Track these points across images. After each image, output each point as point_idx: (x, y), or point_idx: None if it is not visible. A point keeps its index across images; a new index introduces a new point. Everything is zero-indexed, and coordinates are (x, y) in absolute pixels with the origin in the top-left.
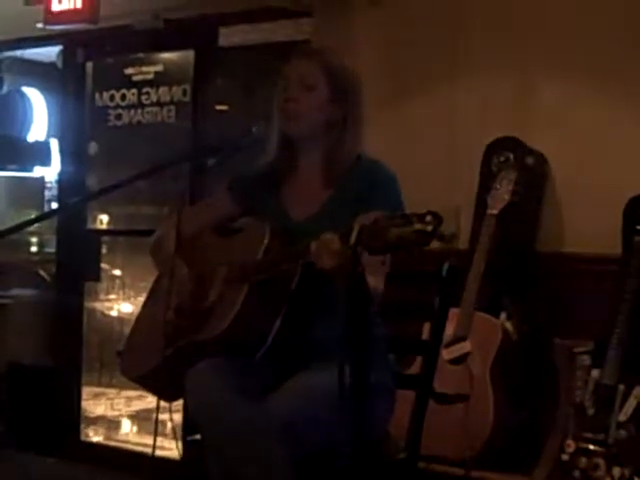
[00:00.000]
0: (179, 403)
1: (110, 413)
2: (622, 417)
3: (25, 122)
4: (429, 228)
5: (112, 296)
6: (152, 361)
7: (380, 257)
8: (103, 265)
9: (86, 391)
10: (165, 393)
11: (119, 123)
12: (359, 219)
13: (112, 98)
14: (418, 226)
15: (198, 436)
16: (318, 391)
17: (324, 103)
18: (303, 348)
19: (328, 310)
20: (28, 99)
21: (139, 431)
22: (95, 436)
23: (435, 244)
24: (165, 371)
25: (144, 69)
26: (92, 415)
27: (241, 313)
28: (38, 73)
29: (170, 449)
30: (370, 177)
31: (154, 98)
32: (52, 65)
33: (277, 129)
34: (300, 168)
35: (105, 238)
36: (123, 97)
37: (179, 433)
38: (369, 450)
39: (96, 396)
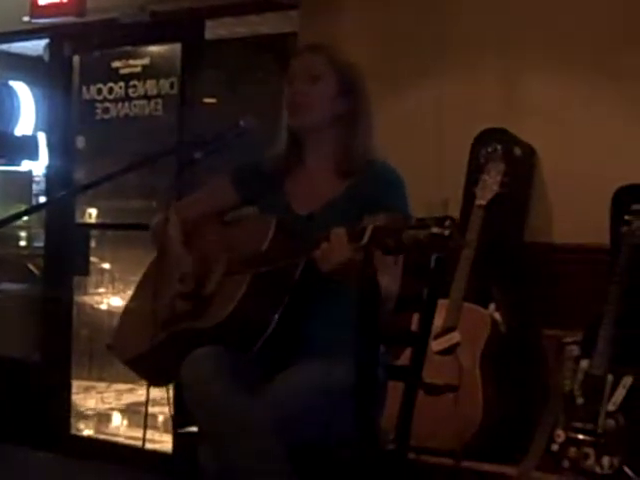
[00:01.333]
0: (170, 396)
1: (100, 407)
2: (611, 407)
3: (12, 116)
4: (446, 232)
5: (101, 290)
6: (144, 345)
7: (393, 257)
8: (92, 259)
9: (76, 385)
10: (156, 378)
11: (106, 116)
12: (368, 219)
13: (99, 91)
14: (435, 230)
15: (189, 428)
16: (314, 382)
17: (331, 95)
18: (302, 341)
19: (329, 304)
20: (15, 93)
21: (129, 424)
22: (85, 430)
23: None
24: (157, 356)
25: (131, 62)
26: (82, 409)
27: (242, 303)
28: (25, 67)
29: (161, 442)
30: (379, 179)
31: (141, 91)
32: (39, 59)
33: (285, 124)
34: (307, 163)
35: (94, 232)
36: (110, 90)
37: (170, 426)
38: (362, 443)
39: (86, 390)
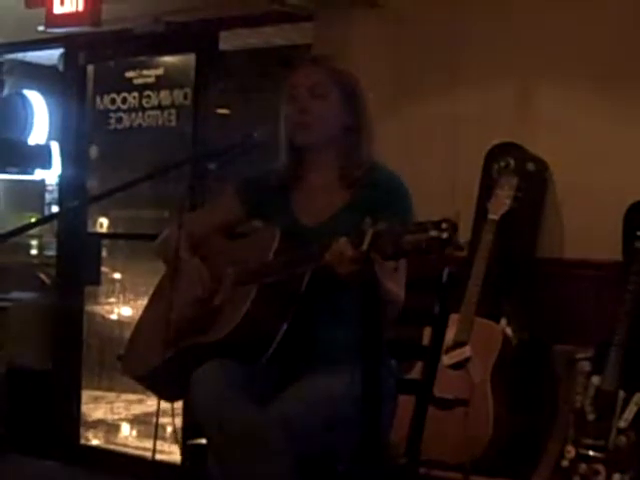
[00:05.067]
0: (179, 407)
1: (110, 417)
2: (622, 423)
3: (26, 125)
4: (445, 235)
5: (112, 299)
6: (155, 360)
7: (393, 263)
8: (103, 268)
9: (86, 394)
10: (166, 393)
11: (120, 126)
12: (368, 223)
13: (113, 101)
14: (433, 233)
15: (199, 440)
16: (323, 394)
17: (336, 111)
18: (309, 352)
19: (335, 314)
20: (29, 102)
21: (139, 435)
22: (94, 440)
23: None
24: (167, 371)
25: (145, 72)
26: (91, 419)
27: (248, 315)
28: (39, 76)
29: (170, 453)
30: (384, 187)
31: (155, 102)
32: (53, 68)
33: (285, 138)
34: (312, 174)
35: (105, 241)
36: (124, 100)
37: (179, 437)
38: (371, 455)
39: (96, 400)
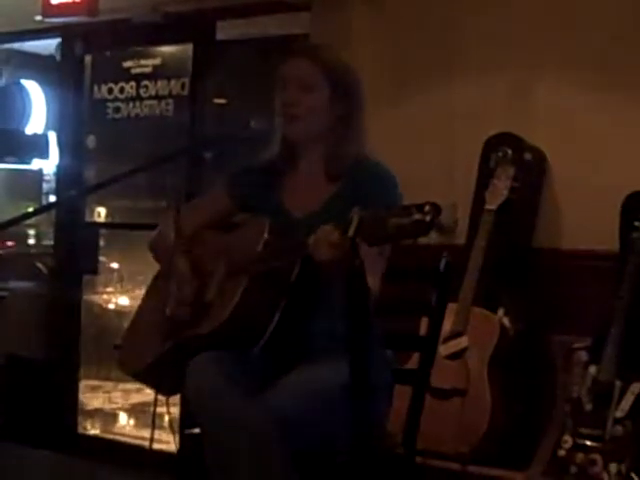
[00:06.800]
0: (177, 396)
1: (107, 406)
2: (619, 413)
3: (23, 114)
4: (428, 218)
5: (110, 289)
6: (150, 356)
7: (377, 248)
8: (101, 258)
9: (83, 384)
10: (163, 387)
11: (117, 116)
12: (356, 210)
13: (110, 91)
14: (417, 216)
15: (196, 430)
16: (317, 386)
17: (325, 103)
18: (302, 342)
19: (327, 304)
20: (26, 91)
21: (136, 424)
22: (92, 429)
23: (435, 237)
24: (164, 365)
25: (142, 62)
26: (89, 408)
27: (240, 306)
28: (37, 65)
29: (167, 442)
30: (372, 178)
31: (152, 91)
32: (51, 58)
33: (279, 129)
34: (301, 166)
35: (103, 231)
36: (121, 90)
37: (176, 426)
38: (368, 446)
39: (93, 389)
